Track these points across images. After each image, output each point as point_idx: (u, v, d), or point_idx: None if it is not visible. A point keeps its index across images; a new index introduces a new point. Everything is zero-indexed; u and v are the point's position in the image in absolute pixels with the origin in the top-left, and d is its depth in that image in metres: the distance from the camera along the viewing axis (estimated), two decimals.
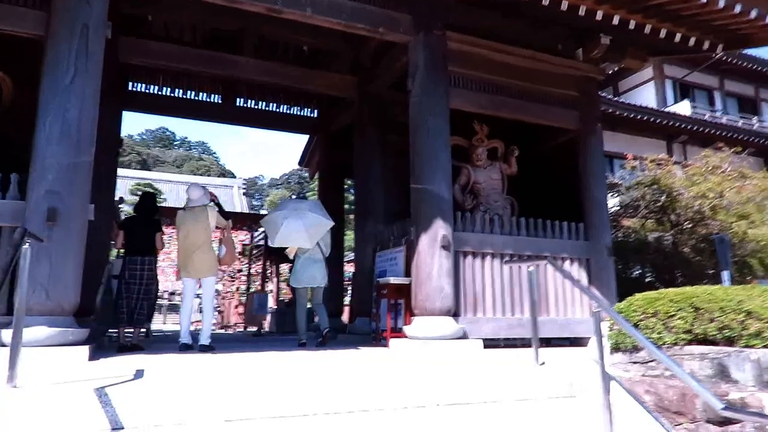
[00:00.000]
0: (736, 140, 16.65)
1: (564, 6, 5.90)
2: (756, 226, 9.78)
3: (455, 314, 6.19)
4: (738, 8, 5.88)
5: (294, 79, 8.38)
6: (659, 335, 4.14)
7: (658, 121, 17.25)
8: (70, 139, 4.94)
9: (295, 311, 6.96)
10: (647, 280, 10.61)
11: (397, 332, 6.65)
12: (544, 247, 6.81)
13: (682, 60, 20.25)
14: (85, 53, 5.14)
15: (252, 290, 13.88)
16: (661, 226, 10.33)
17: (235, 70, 8.04)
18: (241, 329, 14.59)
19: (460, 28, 6.86)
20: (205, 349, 6.14)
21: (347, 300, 11.87)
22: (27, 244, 3.36)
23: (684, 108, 19.80)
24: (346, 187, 16.17)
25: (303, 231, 6.56)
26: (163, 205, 19.75)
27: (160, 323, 19.52)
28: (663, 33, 6.55)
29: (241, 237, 15.13)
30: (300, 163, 12.53)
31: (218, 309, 17.22)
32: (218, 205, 6.67)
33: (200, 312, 7.23)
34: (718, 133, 17.24)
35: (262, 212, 39.49)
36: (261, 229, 13.05)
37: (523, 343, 6.57)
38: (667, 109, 18.70)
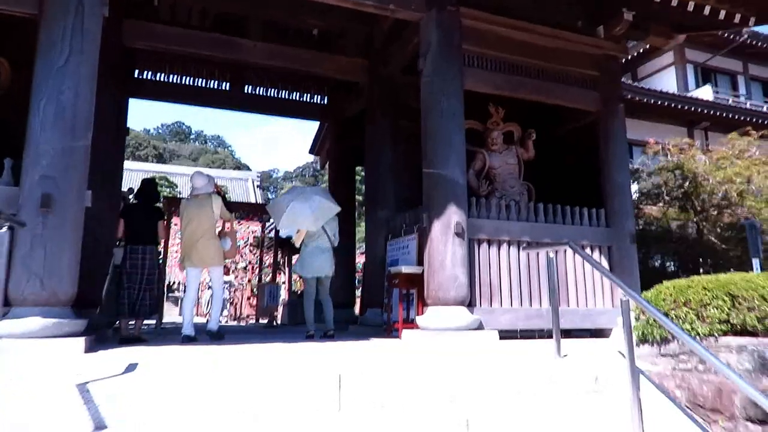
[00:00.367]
0: (761, 125, 16.05)
1: None
2: None
3: (470, 304, 5.91)
4: None
5: (303, 62, 8.10)
6: (691, 326, 3.83)
7: (679, 106, 16.69)
8: (64, 123, 4.72)
9: (321, 301, 6.73)
10: (670, 269, 10.23)
11: (410, 323, 6.39)
12: (563, 234, 6.46)
13: (704, 44, 19.64)
14: (80, 32, 4.91)
15: (264, 282, 13.70)
16: (685, 213, 9.92)
17: (242, 54, 7.77)
18: (254, 321, 14.45)
19: (475, 4, 6.51)
20: (213, 335, 5.96)
21: (360, 291, 11.64)
22: (4, 228, 3.14)
23: (706, 93, 19.18)
24: (358, 178, 15.96)
25: (309, 213, 6.40)
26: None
27: (175, 315, 19.49)
28: (691, 6, 6.15)
29: (252, 228, 14.96)
30: (311, 152, 12.28)
31: (230, 301, 17.12)
32: (224, 198, 6.48)
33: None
34: (741, 118, 16.65)
35: None
36: (272, 220, 12.86)
37: (541, 335, 6.28)
38: (688, 95, 18.12)
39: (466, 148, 6.34)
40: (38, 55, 4.83)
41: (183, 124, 75.87)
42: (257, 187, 41.22)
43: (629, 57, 16.13)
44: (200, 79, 9.54)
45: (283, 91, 10.02)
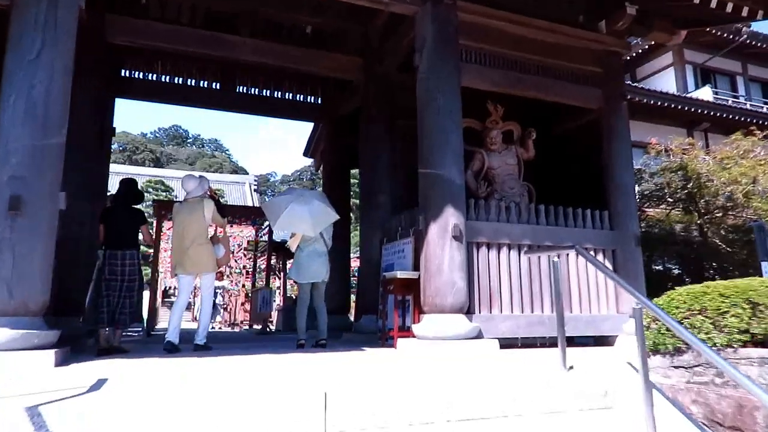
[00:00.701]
0: (762, 126, 15.82)
1: None
2: None
3: (468, 311, 5.62)
4: None
5: (295, 60, 7.82)
6: (708, 335, 3.54)
7: (678, 107, 16.49)
8: (36, 119, 4.43)
9: (314, 308, 6.42)
10: (673, 273, 9.96)
11: (406, 331, 6.09)
12: (565, 236, 6.20)
13: (703, 45, 19.47)
14: (54, 24, 4.62)
15: (258, 287, 13.39)
16: (689, 215, 9.65)
17: (231, 51, 7.49)
18: (249, 327, 14.14)
19: None
20: (200, 348, 5.67)
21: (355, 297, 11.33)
22: None
23: (705, 94, 18.96)
24: (355, 181, 15.63)
25: (308, 218, 6.09)
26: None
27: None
28: None
29: (246, 232, 14.66)
30: (305, 154, 11.98)
31: (224, 306, 16.80)
32: (218, 203, 6.21)
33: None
34: (741, 119, 16.43)
35: None
36: (267, 224, 12.57)
37: (543, 342, 6.01)
38: (688, 96, 17.90)
39: (464, 148, 6.07)
40: (8, 48, 4.55)
41: (180, 127, 75.69)
42: (254, 191, 40.96)
43: (628, 57, 15.95)
44: (191, 79, 9.29)
45: (276, 92, 9.76)
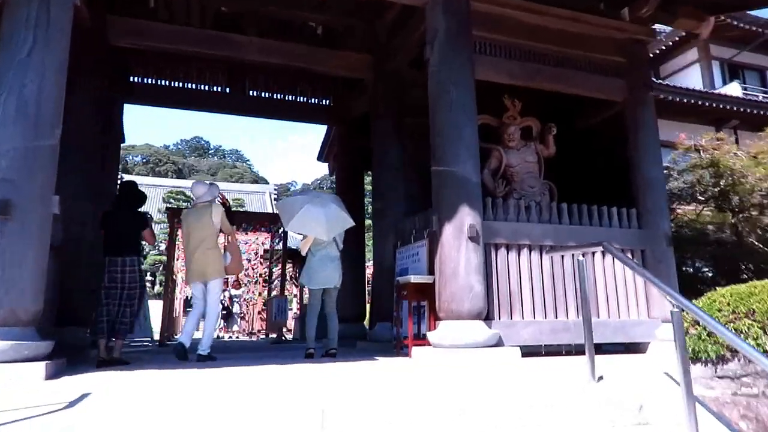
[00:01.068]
0: None
1: None
2: None
3: (487, 317, 5.26)
4: None
5: (304, 59, 7.57)
6: (757, 341, 3.14)
7: (706, 104, 15.87)
8: (27, 120, 4.22)
9: (325, 315, 6.13)
10: (705, 274, 9.42)
11: (421, 339, 5.75)
12: (589, 236, 5.78)
13: (730, 39, 18.82)
14: (46, 22, 4.42)
15: (273, 295, 13.16)
16: (722, 213, 9.12)
17: (239, 52, 7.28)
18: (265, 336, 13.90)
19: None
20: (203, 359, 5.41)
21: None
22: None
23: (734, 90, 18.29)
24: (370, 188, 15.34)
25: (323, 221, 5.81)
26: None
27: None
28: None
29: (261, 239, 14.45)
30: (319, 158, 11.74)
31: (242, 315, 16.62)
32: (228, 209, 5.97)
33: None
34: None
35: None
36: (282, 230, 12.36)
37: (568, 350, 5.61)
38: (715, 92, 17.25)
39: (480, 146, 5.73)
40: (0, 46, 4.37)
41: (202, 139, 76.69)
42: (274, 200, 41.02)
43: (651, 55, 15.43)
44: (200, 84, 9.12)
45: (287, 94, 9.55)
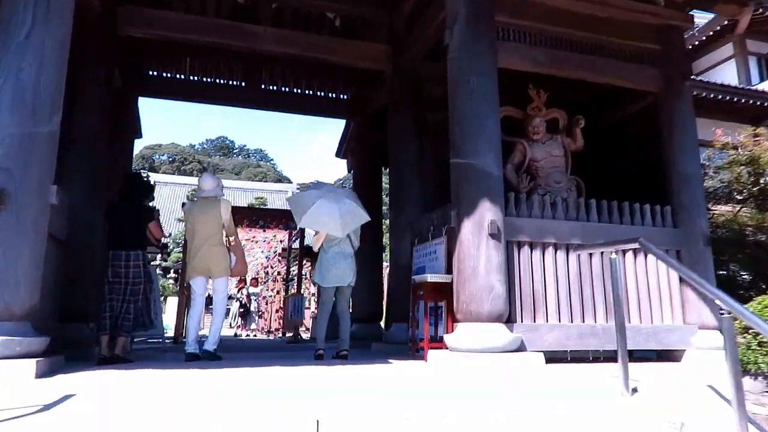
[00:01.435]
0: None
1: None
2: None
3: (508, 320, 4.91)
4: None
5: (321, 49, 7.27)
6: None
7: (742, 101, 15.19)
8: (24, 106, 4.04)
9: (336, 316, 5.86)
10: (743, 278, 8.88)
11: (438, 341, 5.44)
12: (620, 235, 5.38)
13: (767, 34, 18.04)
14: (46, 4, 4.24)
15: (290, 293, 12.95)
16: (762, 213, 8.57)
17: (255, 42, 7.01)
18: (282, 335, 13.71)
19: None
20: (209, 356, 5.20)
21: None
22: None
23: None
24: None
25: (337, 217, 5.49)
26: None
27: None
28: None
29: (280, 236, 14.27)
30: (337, 155, 11.47)
31: (259, 314, 16.48)
32: None
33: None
34: None
35: None
36: (299, 228, 12.14)
37: (595, 356, 5.24)
38: (752, 88, 16.51)
39: (502, 139, 5.38)
40: None
41: (227, 138, 77.37)
42: None
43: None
44: (217, 78, 8.95)
45: (304, 88, 9.31)
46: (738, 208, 8.97)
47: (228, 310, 17.79)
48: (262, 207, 24.75)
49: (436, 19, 6.28)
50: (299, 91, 9.23)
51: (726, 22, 16.89)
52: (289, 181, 59.54)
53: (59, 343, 5.12)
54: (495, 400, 2.96)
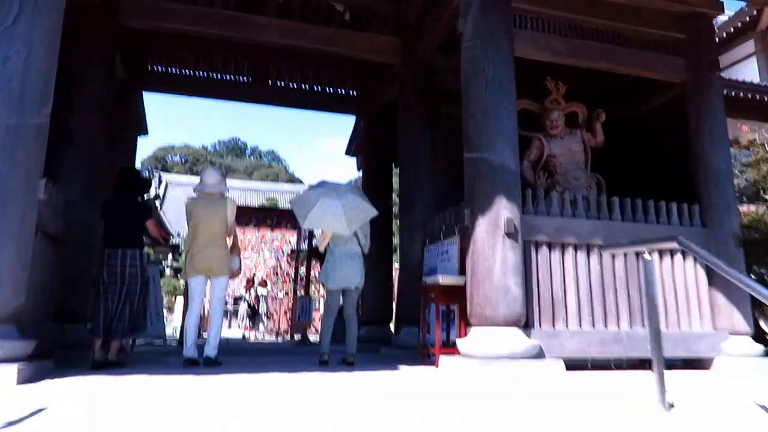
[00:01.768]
0: None
1: None
2: None
3: (526, 325, 4.60)
4: None
5: (328, 41, 6.99)
6: None
7: (765, 98, 14.69)
8: (10, 95, 3.81)
9: (344, 319, 5.57)
10: None
11: (450, 347, 5.12)
12: (645, 235, 5.05)
13: None
14: None
15: (299, 295, 12.70)
16: None
17: (260, 34, 6.77)
18: (290, 337, 13.46)
19: None
20: (210, 363, 4.93)
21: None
22: None
23: None
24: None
25: (341, 214, 5.15)
26: None
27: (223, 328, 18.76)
28: None
29: (289, 236, 14.03)
30: (347, 153, 11.23)
31: (268, 315, 16.26)
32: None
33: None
34: None
35: None
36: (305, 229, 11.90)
37: (618, 364, 4.90)
38: None
39: (519, 134, 5.07)
40: None
41: (239, 139, 77.61)
42: None
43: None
44: (222, 74, 8.73)
45: (311, 84, 9.06)
46: (765, 209, 8.55)
47: (236, 312, 17.61)
48: (270, 207, 24.48)
49: (449, 7, 5.98)
50: (306, 86, 9.00)
51: (747, 19, 16.40)
52: (301, 182, 59.49)
53: (57, 345, 4.90)
54: (507, 411, 2.66)
